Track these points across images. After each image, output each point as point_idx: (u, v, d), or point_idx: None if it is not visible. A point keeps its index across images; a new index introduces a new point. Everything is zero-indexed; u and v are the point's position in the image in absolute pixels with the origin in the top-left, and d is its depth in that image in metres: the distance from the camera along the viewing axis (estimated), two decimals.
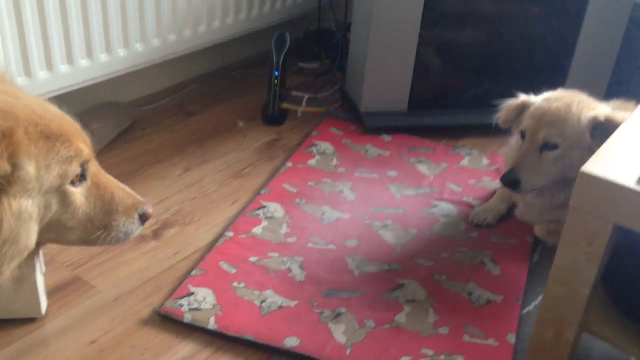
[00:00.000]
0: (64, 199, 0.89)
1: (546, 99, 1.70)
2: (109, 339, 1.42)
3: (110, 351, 1.39)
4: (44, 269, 1.47)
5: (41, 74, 1.84)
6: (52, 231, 0.91)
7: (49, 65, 1.85)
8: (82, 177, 0.92)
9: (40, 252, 1.43)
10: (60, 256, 1.63)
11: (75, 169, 0.89)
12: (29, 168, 0.81)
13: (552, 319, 1.15)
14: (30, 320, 1.44)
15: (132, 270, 1.61)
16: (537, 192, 1.71)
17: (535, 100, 1.73)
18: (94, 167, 0.95)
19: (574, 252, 1.09)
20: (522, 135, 1.70)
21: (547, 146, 1.63)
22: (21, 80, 1.80)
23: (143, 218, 1.00)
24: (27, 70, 1.80)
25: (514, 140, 1.81)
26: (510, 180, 1.64)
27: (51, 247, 1.64)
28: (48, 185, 0.85)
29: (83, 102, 2.09)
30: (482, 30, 2.42)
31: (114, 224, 0.97)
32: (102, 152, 2.01)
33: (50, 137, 0.85)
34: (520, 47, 2.44)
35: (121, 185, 1.00)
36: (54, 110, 0.89)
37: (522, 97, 1.77)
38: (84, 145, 0.91)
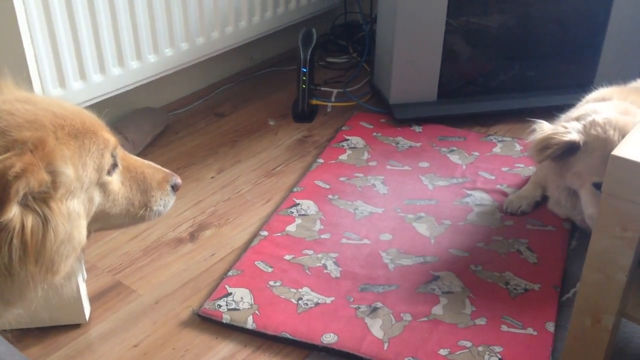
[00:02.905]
0: (104, 189, 0.93)
1: (609, 128, 1.50)
2: (152, 342, 1.46)
3: (153, 354, 1.43)
4: (85, 276, 1.51)
5: (75, 84, 1.89)
6: (99, 221, 0.96)
7: (83, 75, 1.90)
8: (114, 164, 0.96)
9: (83, 259, 1.48)
10: (101, 262, 1.67)
11: (108, 160, 0.93)
12: (68, 171, 0.85)
13: (590, 307, 1.14)
14: (75, 326, 1.49)
15: (170, 273, 1.65)
16: (566, 193, 1.67)
17: (586, 137, 1.53)
18: (121, 151, 0.99)
19: (608, 238, 1.07)
20: (599, 187, 1.31)
21: None
22: (56, 91, 1.84)
23: (175, 188, 1.06)
24: (62, 82, 1.85)
25: (549, 166, 1.66)
26: None
27: (92, 254, 1.69)
28: (88, 181, 0.89)
29: (117, 110, 2.14)
30: (510, 13, 2.39)
31: (152, 200, 1.01)
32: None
33: (78, 136, 0.88)
34: (550, 28, 2.40)
35: (147, 162, 1.05)
36: (70, 107, 0.92)
37: (564, 133, 1.55)
38: (107, 134, 0.94)
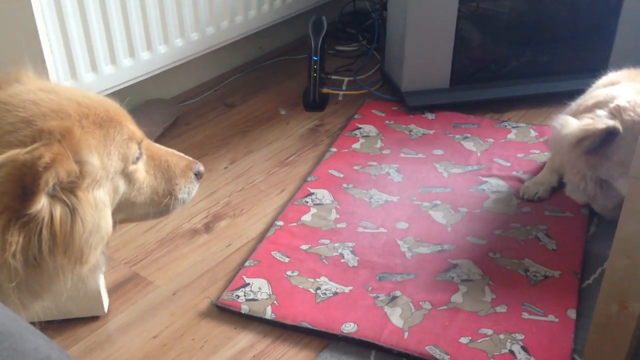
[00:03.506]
0: (129, 178, 0.93)
1: None
2: (171, 333, 1.45)
3: (173, 345, 1.43)
4: (103, 268, 1.50)
5: (87, 76, 1.87)
6: (123, 211, 0.95)
7: (94, 67, 1.89)
8: (139, 154, 0.95)
9: (107, 251, 1.47)
10: (117, 254, 1.67)
11: (134, 151, 0.92)
12: (93, 160, 0.84)
13: (617, 293, 1.13)
14: (94, 318, 1.48)
15: (187, 264, 1.64)
16: (595, 184, 1.63)
17: (624, 124, 1.48)
18: (145, 141, 0.98)
19: (637, 222, 1.06)
20: None
21: None
22: (68, 83, 1.83)
23: (198, 176, 1.05)
24: (74, 74, 1.84)
25: (579, 158, 1.58)
26: None
27: (109, 247, 1.68)
28: (113, 171, 0.89)
29: (128, 101, 2.12)
30: None
31: (176, 188, 1.01)
32: None
33: (102, 125, 0.87)
34: (563, 12, 2.38)
35: (170, 150, 1.04)
36: (93, 96, 0.91)
37: (600, 121, 1.49)
38: (132, 125, 0.94)
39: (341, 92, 2.35)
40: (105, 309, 1.49)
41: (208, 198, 1.86)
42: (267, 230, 1.73)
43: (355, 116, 2.23)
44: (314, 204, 1.81)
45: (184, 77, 2.35)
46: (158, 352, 1.41)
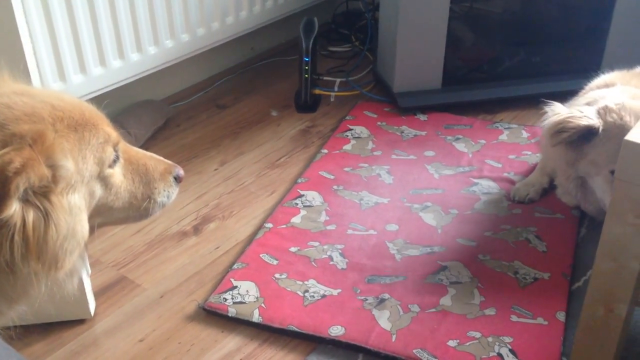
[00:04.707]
0: (106, 183, 0.92)
1: (625, 114, 1.46)
2: (157, 336, 1.44)
3: (159, 348, 1.42)
4: (90, 270, 1.50)
5: (75, 77, 1.86)
6: (101, 215, 0.94)
7: (83, 68, 1.88)
8: (116, 157, 0.94)
9: (86, 255, 1.46)
10: (105, 257, 1.66)
11: (110, 154, 0.91)
12: (68, 164, 0.83)
13: (602, 296, 1.12)
14: (80, 321, 1.47)
15: (175, 267, 1.63)
16: (577, 183, 1.62)
17: (604, 124, 1.48)
18: (122, 144, 0.97)
19: (621, 225, 1.05)
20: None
21: None
22: (57, 85, 1.82)
23: (178, 179, 1.04)
24: (62, 75, 1.83)
25: (560, 151, 1.60)
26: None
27: (96, 249, 1.67)
28: (89, 175, 0.87)
29: (118, 103, 2.11)
30: None
31: (155, 192, 1.00)
32: None
33: (77, 129, 0.86)
34: (556, 13, 2.37)
35: (149, 154, 1.03)
36: (69, 99, 0.90)
37: (580, 117, 1.49)
38: (108, 128, 0.93)
39: (333, 94, 2.34)
40: (92, 312, 1.48)
41: (197, 200, 1.86)
42: (256, 232, 1.72)
43: (347, 117, 2.22)
44: (304, 206, 1.80)
45: (175, 79, 2.34)
46: (144, 355, 1.40)
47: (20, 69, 0.95)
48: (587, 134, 1.50)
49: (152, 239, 1.72)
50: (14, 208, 0.75)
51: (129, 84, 2.04)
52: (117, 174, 0.93)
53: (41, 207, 0.79)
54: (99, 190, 0.90)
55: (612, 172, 1.48)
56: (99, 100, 2.10)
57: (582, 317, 1.17)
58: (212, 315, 1.48)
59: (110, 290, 1.56)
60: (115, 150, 0.92)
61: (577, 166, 1.57)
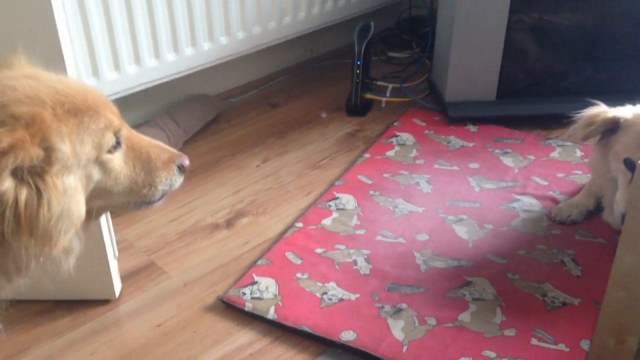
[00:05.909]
0: (104, 167, 0.94)
1: None
2: (174, 324, 1.48)
3: (174, 335, 1.45)
4: (117, 253, 1.55)
5: (130, 68, 1.94)
6: (100, 199, 0.96)
7: (137, 60, 1.95)
8: (117, 144, 0.96)
9: (114, 238, 1.52)
10: (139, 242, 1.71)
11: (109, 140, 0.93)
12: (64, 147, 0.86)
13: (613, 327, 1.06)
14: (105, 302, 1.53)
15: (203, 258, 1.67)
16: (614, 189, 1.55)
17: (629, 115, 1.50)
18: (126, 131, 0.99)
19: (634, 253, 0.99)
20: (629, 166, 1.44)
21: None
22: (111, 75, 1.90)
23: (182, 169, 1.05)
24: (117, 65, 1.90)
25: (597, 153, 1.61)
26: None
27: (131, 234, 1.73)
28: (85, 159, 0.90)
29: (171, 95, 2.18)
30: (583, 11, 2.26)
31: (156, 180, 1.01)
32: (187, 143, 2.09)
33: (77, 114, 0.89)
34: (628, 28, 2.25)
35: (155, 142, 1.04)
36: (76, 85, 0.93)
37: (611, 111, 1.53)
38: (111, 114, 0.95)
39: (384, 99, 2.32)
40: (117, 294, 1.54)
41: (234, 195, 1.89)
42: (286, 230, 1.73)
43: (395, 124, 2.20)
44: (337, 209, 1.80)
45: (230, 75, 2.39)
46: (159, 340, 1.44)
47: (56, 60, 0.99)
48: (615, 129, 1.51)
49: (185, 229, 1.76)
50: (7, 185, 0.79)
51: (183, 78, 2.10)
52: (117, 159, 0.96)
53: (34, 186, 0.82)
54: (96, 175, 0.93)
55: (626, 162, 1.46)
56: (152, 93, 2.19)
57: (591, 348, 1.11)
58: (230, 308, 1.51)
59: (138, 274, 1.62)
60: (117, 137, 0.95)
61: (609, 160, 1.54)
